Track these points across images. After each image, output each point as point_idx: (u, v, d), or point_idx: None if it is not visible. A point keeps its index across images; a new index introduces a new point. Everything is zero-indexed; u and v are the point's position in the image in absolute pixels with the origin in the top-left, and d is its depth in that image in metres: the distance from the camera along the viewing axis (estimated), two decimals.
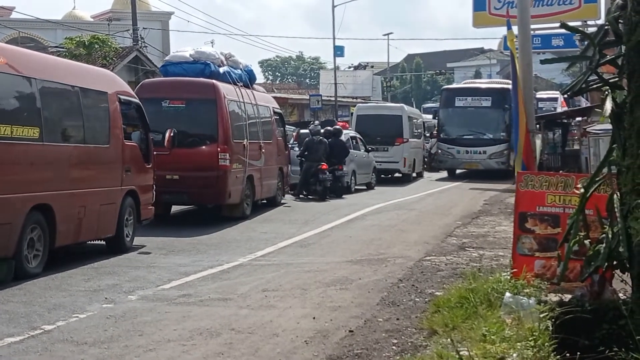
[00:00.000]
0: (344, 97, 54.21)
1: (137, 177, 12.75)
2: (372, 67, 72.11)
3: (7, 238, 9.39)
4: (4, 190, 9.27)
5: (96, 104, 11.98)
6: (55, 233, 10.31)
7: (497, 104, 29.28)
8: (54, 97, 10.85)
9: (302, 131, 24.91)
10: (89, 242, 11.97)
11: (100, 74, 13.23)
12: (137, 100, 13.22)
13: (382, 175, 27.76)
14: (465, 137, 29.65)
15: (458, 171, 30.77)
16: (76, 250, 11.54)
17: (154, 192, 13.43)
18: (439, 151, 30.64)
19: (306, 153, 21.50)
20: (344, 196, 21.75)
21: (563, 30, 22.87)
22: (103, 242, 12.20)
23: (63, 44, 31.46)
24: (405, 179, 28.75)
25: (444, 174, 31.47)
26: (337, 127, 24.25)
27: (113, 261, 11.24)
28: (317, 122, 28.10)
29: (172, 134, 14.41)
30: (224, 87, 16.05)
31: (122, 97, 12.58)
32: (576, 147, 27.08)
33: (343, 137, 23.27)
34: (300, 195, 21.21)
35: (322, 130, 22.67)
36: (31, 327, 7.36)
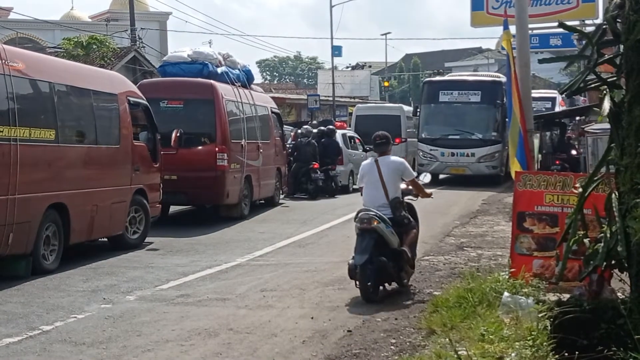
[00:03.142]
0: (341, 97, 54.31)
1: (146, 176, 13.02)
2: (369, 66, 72.21)
3: (26, 236, 9.74)
4: (24, 190, 9.57)
5: (107, 105, 12.27)
6: (69, 231, 10.69)
7: (488, 100, 25.37)
8: (68, 100, 11.18)
9: (299, 131, 24.90)
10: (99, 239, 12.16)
11: (110, 76, 13.45)
12: (144, 102, 13.42)
13: None
14: (450, 137, 25.61)
15: (442, 176, 26.17)
16: (74, 250, 11.51)
17: (161, 191, 13.65)
18: (420, 153, 26.21)
19: (295, 154, 21.53)
20: (341, 196, 21.71)
21: (561, 30, 22.94)
22: (105, 240, 12.32)
23: (61, 44, 31.52)
24: None
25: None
26: (330, 127, 23.96)
27: (111, 261, 11.24)
28: (313, 122, 28.06)
29: (178, 134, 14.53)
30: (222, 87, 16.04)
31: (130, 98, 12.80)
32: None
33: (339, 137, 23.25)
34: (295, 195, 21.21)
35: (314, 131, 22.67)
36: (29, 327, 7.36)
